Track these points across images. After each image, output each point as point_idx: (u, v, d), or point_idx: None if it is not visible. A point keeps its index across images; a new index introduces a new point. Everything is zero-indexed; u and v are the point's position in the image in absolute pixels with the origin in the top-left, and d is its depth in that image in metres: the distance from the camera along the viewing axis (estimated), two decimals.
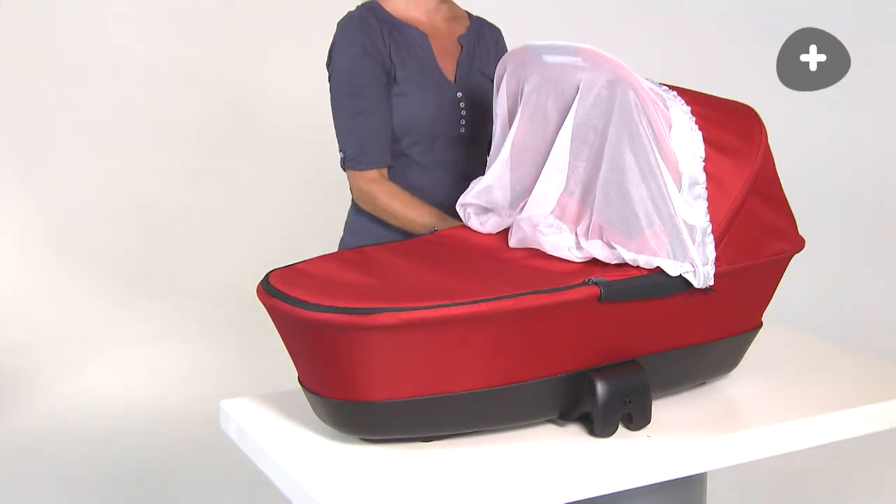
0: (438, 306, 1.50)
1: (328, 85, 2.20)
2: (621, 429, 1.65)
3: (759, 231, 1.74)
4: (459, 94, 2.22)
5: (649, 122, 1.63)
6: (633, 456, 1.60)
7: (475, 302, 1.52)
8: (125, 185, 5.05)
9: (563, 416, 1.67)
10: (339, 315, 1.49)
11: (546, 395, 1.63)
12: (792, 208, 1.83)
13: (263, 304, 1.60)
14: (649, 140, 1.63)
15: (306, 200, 4.98)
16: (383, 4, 2.23)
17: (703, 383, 1.85)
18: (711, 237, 1.66)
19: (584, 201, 1.74)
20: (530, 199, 1.80)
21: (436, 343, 1.52)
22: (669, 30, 5.11)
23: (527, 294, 1.55)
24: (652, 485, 1.64)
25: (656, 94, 1.68)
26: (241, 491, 3.32)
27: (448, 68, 2.24)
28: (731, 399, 1.83)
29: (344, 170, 2.20)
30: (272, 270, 1.65)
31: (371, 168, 2.16)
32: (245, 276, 3.46)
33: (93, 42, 5.07)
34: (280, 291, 1.56)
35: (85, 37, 5.06)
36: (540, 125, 1.83)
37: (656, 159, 1.63)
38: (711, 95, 1.80)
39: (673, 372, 1.75)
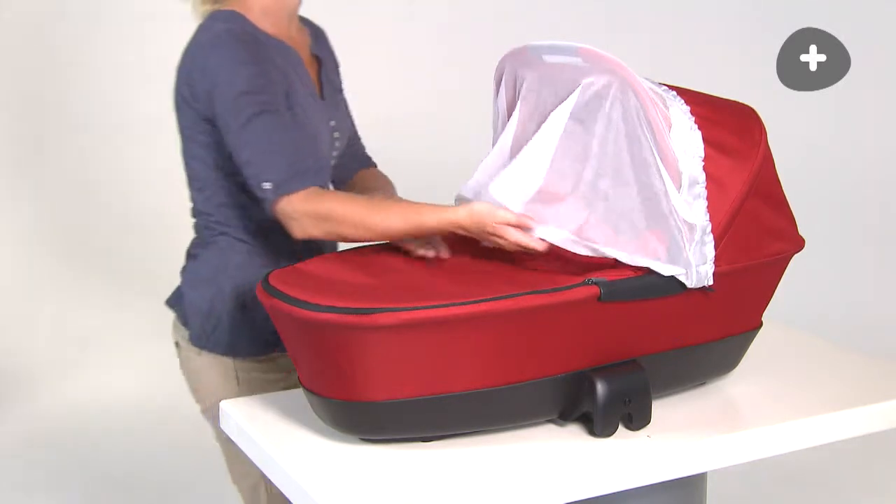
0: (438, 306, 1.50)
1: (216, 111, 1.79)
2: (621, 429, 1.65)
3: (758, 231, 1.74)
4: (333, 123, 2.00)
5: (649, 121, 1.63)
6: (633, 456, 1.60)
7: (475, 302, 1.52)
8: (125, 185, 5.04)
9: (563, 416, 1.67)
10: (340, 315, 1.49)
11: (546, 395, 1.63)
12: (792, 208, 1.82)
13: (264, 303, 1.60)
14: (648, 140, 1.63)
15: None
16: (249, 18, 1.87)
17: (703, 383, 1.85)
18: (711, 237, 1.66)
19: (582, 201, 1.74)
20: (479, 167, 1.73)
21: (436, 343, 1.52)
22: (669, 30, 5.10)
23: (526, 294, 1.55)
24: (652, 485, 1.64)
25: (656, 93, 1.68)
26: None
27: (317, 88, 2.00)
28: (731, 399, 1.83)
29: (272, 207, 1.76)
30: (272, 270, 1.65)
31: (309, 186, 1.76)
32: None
33: (93, 42, 5.07)
34: (280, 291, 1.56)
35: (85, 37, 5.06)
36: (538, 125, 1.82)
37: (655, 159, 1.63)
38: (711, 95, 1.80)
39: (673, 372, 1.75)
